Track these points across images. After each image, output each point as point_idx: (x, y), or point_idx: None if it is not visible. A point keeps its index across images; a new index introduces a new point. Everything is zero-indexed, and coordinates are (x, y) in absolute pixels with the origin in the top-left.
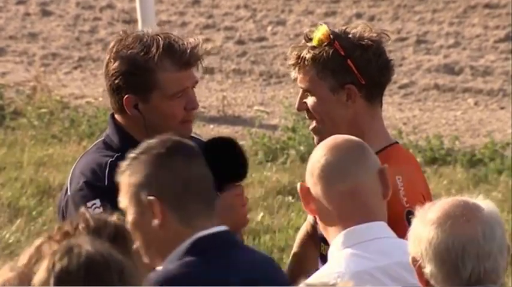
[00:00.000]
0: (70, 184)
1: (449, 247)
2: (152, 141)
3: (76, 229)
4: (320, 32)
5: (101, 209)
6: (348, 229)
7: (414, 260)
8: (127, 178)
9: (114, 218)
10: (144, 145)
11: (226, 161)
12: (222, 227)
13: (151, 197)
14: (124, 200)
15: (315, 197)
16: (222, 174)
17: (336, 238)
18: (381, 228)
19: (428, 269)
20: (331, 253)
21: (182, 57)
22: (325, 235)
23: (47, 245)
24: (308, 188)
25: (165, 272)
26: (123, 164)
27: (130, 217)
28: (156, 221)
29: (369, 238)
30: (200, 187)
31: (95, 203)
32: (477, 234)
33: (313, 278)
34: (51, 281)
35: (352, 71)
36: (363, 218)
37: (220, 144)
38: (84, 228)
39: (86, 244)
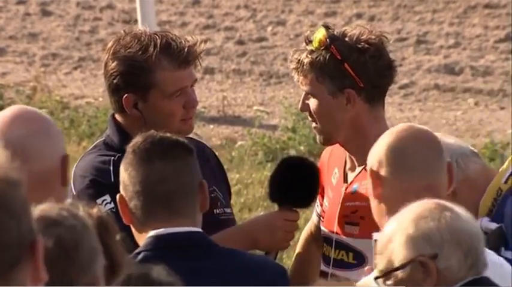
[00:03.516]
0: (74, 184)
1: None
2: (134, 140)
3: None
4: (319, 34)
5: (112, 205)
6: None
7: None
8: None
9: (95, 210)
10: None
11: (297, 184)
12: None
13: (118, 195)
14: None
15: (387, 184)
16: (287, 194)
17: None
18: None
19: None
20: None
21: (180, 56)
22: (381, 223)
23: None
24: (377, 173)
25: None
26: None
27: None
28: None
29: None
30: (159, 189)
31: (105, 199)
32: None
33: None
34: None
35: (349, 74)
36: None
37: (303, 167)
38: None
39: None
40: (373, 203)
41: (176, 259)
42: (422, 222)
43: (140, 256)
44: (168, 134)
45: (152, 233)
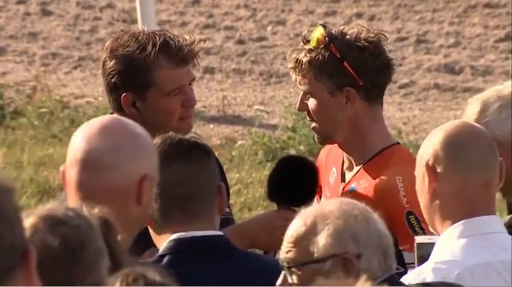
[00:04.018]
0: None
1: None
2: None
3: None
4: (317, 33)
5: None
6: (470, 219)
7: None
8: None
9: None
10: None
11: (296, 184)
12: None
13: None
14: None
15: (442, 180)
16: (286, 193)
17: (453, 227)
18: (500, 222)
19: None
20: (444, 241)
21: (178, 54)
22: (432, 219)
23: None
24: (433, 167)
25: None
26: None
27: None
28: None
29: (490, 231)
30: (176, 192)
31: None
32: None
33: (424, 269)
34: None
35: (349, 73)
36: (486, 210)
37: (302, 166)
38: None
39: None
40: (423, 199)
41: (200, 262)
42: (352, 220)
43: (165, 260)
44: (187, 136)
45: (174, 236)
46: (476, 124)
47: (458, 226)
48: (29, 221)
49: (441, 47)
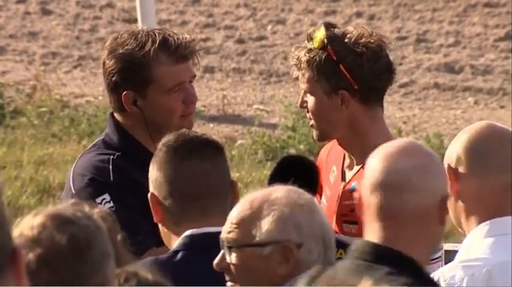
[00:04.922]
0: (73, 182)
1: None
2: (165, 138)
3: None
4: (319, 33)
5: (111, 204)
6: (496, 219)
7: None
8: None
9: (97, 209)
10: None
11: (296, 183)
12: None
13: (149, 194)
14: None
15: (465, 181)
16: None
17: (480, 227)
18: None
19: None
20: (471, 240)
21: (178, 51)
22: (457, 221)
23: None
24: (455, 170)
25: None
26: None
27: None
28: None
29: None
30: (189, 190)
31: (104, 198)
32: None
33: (453, 266)
34: None
35: (344, 76)
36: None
37: (303, 165)
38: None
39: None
40: (450, 200)
41: (214, 258)
42: (298, 209)
43: (179, 255)
44: (199, 133)
45: (188, 232)
46: (501, 125)
47: (484, 226)
48: (37, 220)
49: (441, 46)
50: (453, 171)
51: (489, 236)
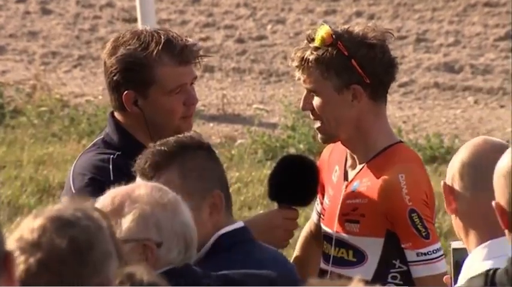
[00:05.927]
0: (73, 182)
1: None
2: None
3: None
4: (322, 31)
5: None
6: (494, 240)
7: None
8: None
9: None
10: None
11: (296, 183)
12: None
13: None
14: None
15: (461, 199)
16: (287, 192)
17: (479, 249)
18: None
19: None
20: (471, 261)
21: (181, 53)
22: (460, 236)
23: None
24: (451, 188)
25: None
26: None
27: None
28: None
29: None
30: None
31: None
32: None
33: None
34: None
35: (356, 70)
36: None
37: (303, 165)
38: None
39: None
40: (452, 216)
41: (248, 253)
42: (160, 208)
43: (220, 254)
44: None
45: (222, 231)
46: (499, 141)
47: (483, 248)
48: (37, 222)
49: (441, 45)
50: (449, 191)
51: (488, 260)
